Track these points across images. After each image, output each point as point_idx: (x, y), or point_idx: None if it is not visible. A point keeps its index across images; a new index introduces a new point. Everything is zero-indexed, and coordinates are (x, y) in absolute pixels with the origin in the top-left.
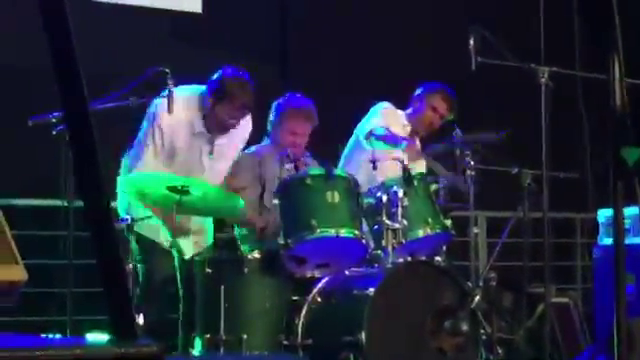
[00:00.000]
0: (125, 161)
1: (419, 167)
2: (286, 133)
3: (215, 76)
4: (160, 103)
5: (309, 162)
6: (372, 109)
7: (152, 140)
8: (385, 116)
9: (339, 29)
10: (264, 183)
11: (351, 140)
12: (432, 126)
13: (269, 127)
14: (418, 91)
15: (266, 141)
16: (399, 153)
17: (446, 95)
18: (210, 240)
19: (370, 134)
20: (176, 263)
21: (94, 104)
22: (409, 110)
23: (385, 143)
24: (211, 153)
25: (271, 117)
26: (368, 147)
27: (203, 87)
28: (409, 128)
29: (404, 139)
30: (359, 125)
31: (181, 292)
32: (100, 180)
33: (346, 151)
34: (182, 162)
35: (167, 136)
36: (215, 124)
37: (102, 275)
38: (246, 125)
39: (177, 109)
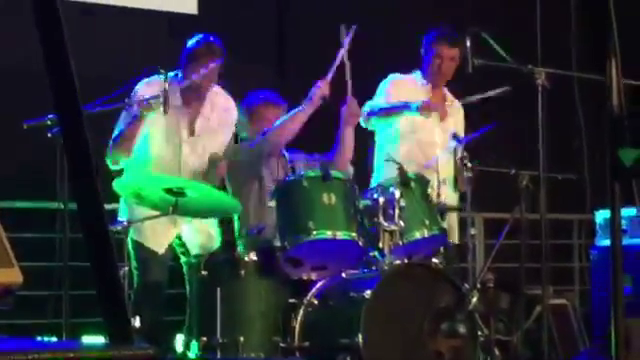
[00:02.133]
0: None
1: (452, 123)
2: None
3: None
4: (140, 87)
5: (301, 159)
6: (379, 86)
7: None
8: (391, 91)
9: (337, 27)
10: (261, 180)
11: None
12: (446, 73)
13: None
14: (423, 41)
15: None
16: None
17: (445, 37)
18: (217, 244)
19: (367, 116)
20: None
21: (90, 106)
22: (421, 67)
23: (386, 117)
24: (192, 133)
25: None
26: (371, 129)
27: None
28: (428, 85)
29: (407, 105)
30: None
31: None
32: (94, 184)
33: None
34: (159, 143)
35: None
36: (190, 90)
37: (97, 279)
38: (229, 105)
39: (154, 89)
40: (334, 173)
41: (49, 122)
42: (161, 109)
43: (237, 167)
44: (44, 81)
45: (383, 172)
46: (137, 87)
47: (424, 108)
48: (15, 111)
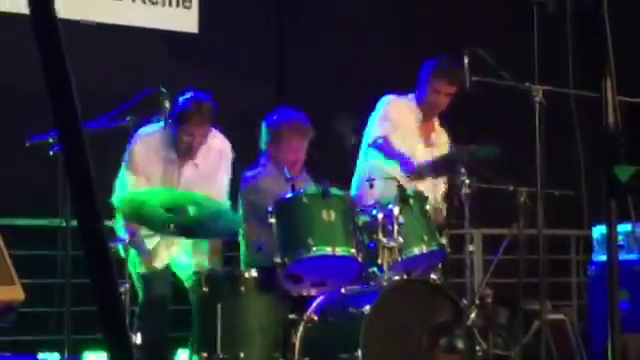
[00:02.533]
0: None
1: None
2: (286, 152)
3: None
4: (136, 141)
5: (305, 179)
6: (377, 106)
7: (130, 172)
8: (392, 114)
9: (336, 47)
10: None
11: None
12: (439, 108)
13: (263, 146)
14: (421, 72)
15: (262, 161)
16: (396, 171)
17: (445, 72)
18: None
19: (372, 144)
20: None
21: (91, 124)
22: (416, 93)
23: (383, 155)
24: (179, 184)
25: (265, 135)
26: (369, 157)
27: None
28: (420, 114)
29: (404, 161)
30: (369, 120)
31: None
32: (95, 204)
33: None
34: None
35: (141, 168)
36: (181, 147)
37: (97, 297)
38: (224, 147)
39: (151, 144)
40: (333, 190)
41: (51, 140)
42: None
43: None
44: (47, 99)
45: (366, 191)
46: (133, 146)
47: (417, 177)
48: (18, 128)
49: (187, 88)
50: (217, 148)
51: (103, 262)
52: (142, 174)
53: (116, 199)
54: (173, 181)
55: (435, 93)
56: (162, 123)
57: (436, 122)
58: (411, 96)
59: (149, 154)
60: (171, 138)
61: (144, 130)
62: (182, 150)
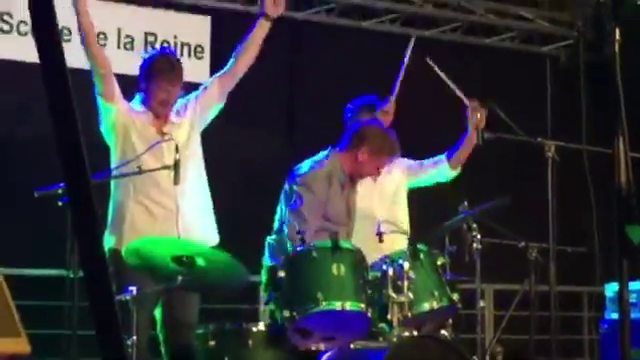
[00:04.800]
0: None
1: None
2: (371, 166)
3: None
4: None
5: None
6: None
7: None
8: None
9: (346, 96)
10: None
11: None
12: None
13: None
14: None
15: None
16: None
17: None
18: None
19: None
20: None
21: (99, 175)
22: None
23: None
24: (165, 134)
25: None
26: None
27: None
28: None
29: None
30: None
31: None
32: (101, 253)
33: None
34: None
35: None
36: (154, 103)
37: (101, 348)
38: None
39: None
40: (343, 244)
41: (60, 191)
42: None
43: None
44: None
45: None
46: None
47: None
48: (27, 179)
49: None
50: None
51: (109, 314)
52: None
53: (124, 249)
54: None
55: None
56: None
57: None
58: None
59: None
60: (144, 101)
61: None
62: (154, 106)
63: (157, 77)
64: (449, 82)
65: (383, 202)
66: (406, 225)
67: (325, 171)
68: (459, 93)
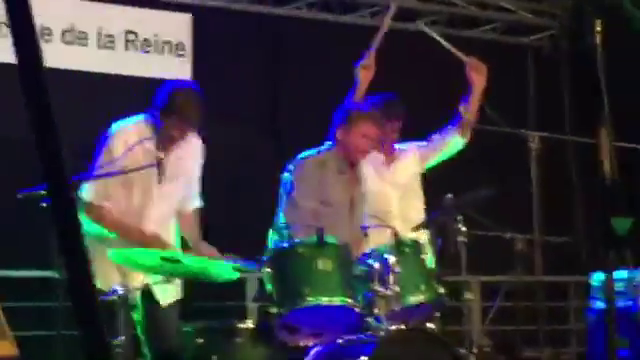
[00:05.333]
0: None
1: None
2: (357, 136)
3: (163, 91)
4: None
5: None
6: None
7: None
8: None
9: (330, 91)
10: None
11: None
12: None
13: (335, 130)
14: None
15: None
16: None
17: (375, 116)
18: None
19: None
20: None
21: (85, 175)
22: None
23: None
24: (160, 181)
25: (338, 120)
26: None
27: (142, 115)
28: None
29: None
30: None
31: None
32: (84, 255)
33: None
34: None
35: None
36: (165, 140)
37: (85, 348)
38: (197, 143)
39: (130, 136)
40: (329, 238)
41: (43, 192)
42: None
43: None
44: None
45: None
46: (110, 142)
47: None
48: (11, 180)
49: None
50: (189, 142)
51: (92, 316)
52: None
53: (110, 253)
54: (149, 177)
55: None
56: (141, 116)
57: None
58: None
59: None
60: (151, 128)
61: (121, 123)
62: (163, 144)
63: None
64: (444, 43)
65: (394, 195)
66: (420, 216)
67: (319, 158)
68: (455, 51)
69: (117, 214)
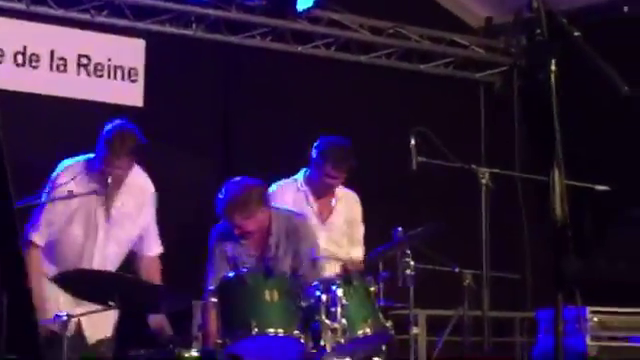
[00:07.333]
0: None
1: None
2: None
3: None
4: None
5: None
6: None
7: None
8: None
9: (283, 120)
10: None
11: None
12: (331, 188)
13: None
14: (313, 153)
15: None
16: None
17: (338, 158)
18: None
19: None
20: None
21: (33, 199)
22: (307, 173)
23: None
24: (108, 219)
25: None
26: None
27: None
28: (308, 193)
29: None
30: None
31: None
32: (24, 280)
33: None
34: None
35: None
36: (105, 179)
37: None
38: (147, 186)
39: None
40: (276, 270)
41: None
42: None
43: None
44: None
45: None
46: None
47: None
48: None
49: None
50: (139, 186)
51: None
52: (61, 214)
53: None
54: (95, 217)
55: (327, 177)
56: (89, 155)
57: (333, 200)
58: (298, 178)
59: (75, 185)
60: (93, 173)
61: (67, 161)
62: (105, 184)
63: None
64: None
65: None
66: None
67: None
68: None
69: (58, 246)
